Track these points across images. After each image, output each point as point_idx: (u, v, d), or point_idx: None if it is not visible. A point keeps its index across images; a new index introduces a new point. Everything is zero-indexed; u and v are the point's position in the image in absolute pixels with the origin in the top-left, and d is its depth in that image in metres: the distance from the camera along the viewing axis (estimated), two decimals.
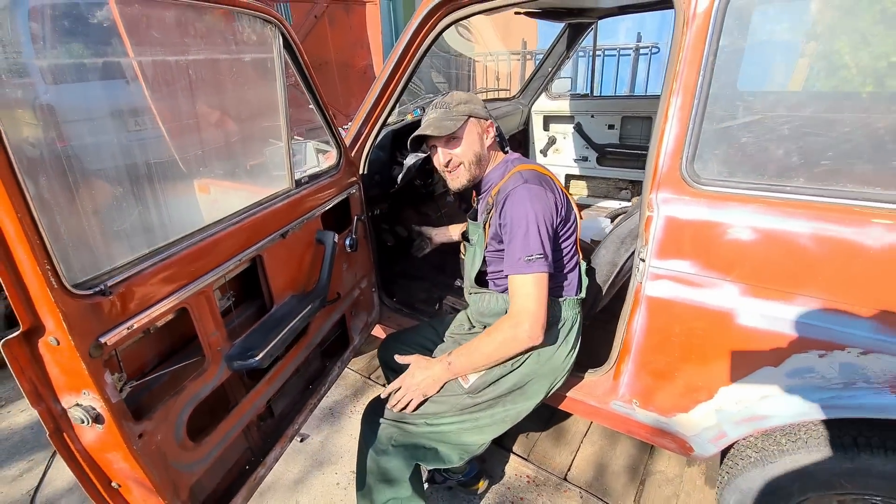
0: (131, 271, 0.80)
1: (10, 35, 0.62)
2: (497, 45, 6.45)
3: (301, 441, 2.06)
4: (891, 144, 0.89)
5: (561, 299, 1.31)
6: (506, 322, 1.21)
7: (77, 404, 0.76)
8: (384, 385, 2.36)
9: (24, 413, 2.33)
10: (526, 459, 1.93)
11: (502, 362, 1.26)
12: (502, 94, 3.21)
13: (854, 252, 0.90)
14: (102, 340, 0.75)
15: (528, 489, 1.82)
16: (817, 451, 1.12)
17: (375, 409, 1.41)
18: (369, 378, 2.45)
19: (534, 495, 1.79)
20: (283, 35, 1.06)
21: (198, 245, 0.93)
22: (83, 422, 0.76)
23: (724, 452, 1.39)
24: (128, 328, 0.79)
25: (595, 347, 1.47)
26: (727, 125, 1.02)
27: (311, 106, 1.29)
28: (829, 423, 1.11)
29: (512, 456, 1.95)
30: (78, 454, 0.82)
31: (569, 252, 1.32)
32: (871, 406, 0.95)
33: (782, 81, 1.07)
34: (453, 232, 1.93)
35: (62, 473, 1.97)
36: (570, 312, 1.32)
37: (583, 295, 1.35)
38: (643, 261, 1.16)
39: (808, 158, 0.96)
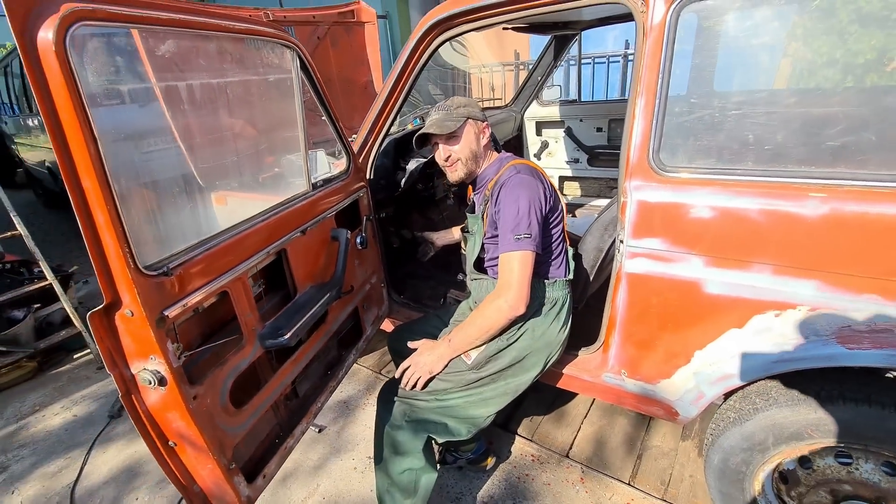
0: (185, 257, 0.96)
1: (104, 65, 0.79)
2: (490, 58, 6.68)
3: (319, 432, 2.20)
4: (820, 130, 1.04)
5: (550, 281, 1.46)
6: (493, 294, 1.36)
7: (144, 368, 0.92)
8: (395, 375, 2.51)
9: (57, 416, 2.49)
10: (530, 440, 2.06)
11: (495, 335, 1.40)
12: (497, 104, 3.39)
13: (796, 222, 1.05)
14: (166, 313, 0.90)
15: (533, 466, 1.94)
16: (786, 406, 1.25)
17: (390, 390, 1.55)
18: (380, 373, 2.59)
19: (538, 472, 1.92)
20: (300, 58, 1.23)
21: (236, 237, 1.09)
22: (150, 383, 0.91)
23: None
24: (183, 305, 0.95)
25: (588, 330, 1.61)
26: (684, 120, 1.18)
27: (323, 118, 1.46)
28: (794, 380, 1.25)
29: (516, 437, 2.08)
30: (143, 415, 0.97)
31: (557, 238, 1.47)
32: (822, 356, 1.09)
33: (729, 81, 1.23)
34: (455, 233, 2.09)
35: (98, 469, 2.12)
36: (559, 293, 1.47)
37: (570, 277, 1.50)
38: (622, 242, 1.31)
39: (753, 145, 1.11)
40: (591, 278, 1.61)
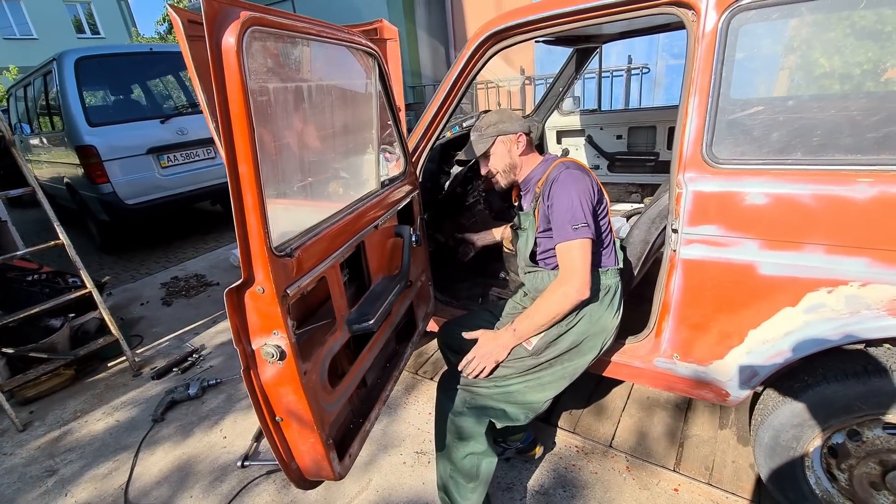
0: (300, 242, 1.05)
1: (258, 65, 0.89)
2: (496, 73, 6.91)
3: None
4: (864, 122, 1.16)
5: (603, 269, 1.56)
6: (557, 282, 1.45)
7: (266, 343, 1.00)
8: (432, 378, 2.57)
9: (100, 422, 2.52)
10: (572, 432, 2.13)
11: (559, 320, 1.49)
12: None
13: (845, 205, 1.16)
14: (288, 291, 0.99)
15: (579, 457, 2.01)
16: (835, 381, 1.34)
17: (449, 378, 1.63)
18: (417, 373, 2.65)
19: (584, 462, 1.98)
20: (379, 66, 1.35)
21: (334, 227, 1.18)
22: (272, 356, 0.99)
23: (752, 407, 1.60)
24: (299, 285, 1.03)
25: (631, 320, 1.71)
26: (736, 117, 1.30)
27: (389, 122, 1.57)
28: (842, 355, 1.34)
29: (559, 430, 2.15)
30: (258, 390, 1.05)
31: (605, 229, 1.57)
32: (874, 328, 1.19)
33: (773, 83, 1.36)
34: (495, 234, 2.20)
35: (148, 470, 2.16)
36: (612, 280, 1.57)
37: (621, 265, 1.59)
38: (675, 231, 1.42)
39: (802, 138, 1.23)
40: (637, 269, 1.71)
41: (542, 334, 1.52)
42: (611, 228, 1.60)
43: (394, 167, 1.84)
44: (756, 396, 1.63)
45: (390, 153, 1.85)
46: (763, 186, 1.25)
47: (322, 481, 1.26)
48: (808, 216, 1.21)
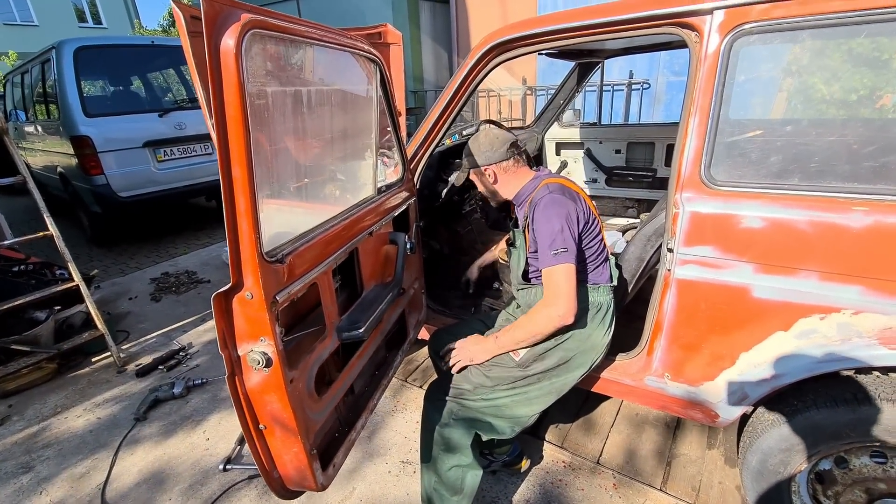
0: (292, 248, 1.03)
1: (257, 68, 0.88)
2: (499, 83, 6.94)
3: None
4: (865, 150, 1.17)
5: (594, 286, 1.55)
6: (542, 304, 1.44)
7: (253, 350, 0.98)
8: (421, 386, 2.55)
9: (80, 418, 2.47)
10: (560, 447, 2.11)
11: (540, 341, 1.48)
12: (516, 124, 3.54)
13: (841, 233, 1.16)
14: (277, 298, 0.97)
15: (566, 472, 1.99)
16: (824, 407, 1.34)
17: (437, 389, 1.61)
18: (406, 381, 2.63)
19: (571, 477, 1.96)
20: (380, 72, 1.34)
21: (326, 234, 1.16)
22: (258, 363, 0.97)
23: (741, 428, 1.60)
24: (289, 292, 1.01)
25: (622, 337, 1.70)
26: (735, 139, 1.30)
27: (389, 129, 1.56)
28: (833, 382, 1.34)
29: (547, 445, 2.13)
30: (242, 397, 1.03)
31: (596, 248, 1.55)
32: (866, 357, 1.19)
33: (774, 107, 1.36)
34: (496, 251, 2.22)
35: (127, 470, 2.11)
36: (603, 298, 1.56)
37: (614, 283, 1.59)
38: (671, 251, 1.41)
39: (800, 163, 1.23)
40: (631, 287, 1.71)
41: (530, 347, 1.52)
42: (604, 246, 1.59)
43: (392, 173, 1.82)
44: (745, 418, 1.62)
45: (388, 158, 1.84)
46: (760, 210, 1.25)
47: (304, 492, 1.23)
48: (804, 242, 1.21)
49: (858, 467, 1.36)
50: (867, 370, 1.26)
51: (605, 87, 6.03)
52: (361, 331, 1.26)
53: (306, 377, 1.12)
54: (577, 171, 3.39)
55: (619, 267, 1.70)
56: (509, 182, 1.66)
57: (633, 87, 6.07)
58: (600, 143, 3.19)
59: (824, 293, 1.20)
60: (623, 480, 1.93)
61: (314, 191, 1.24)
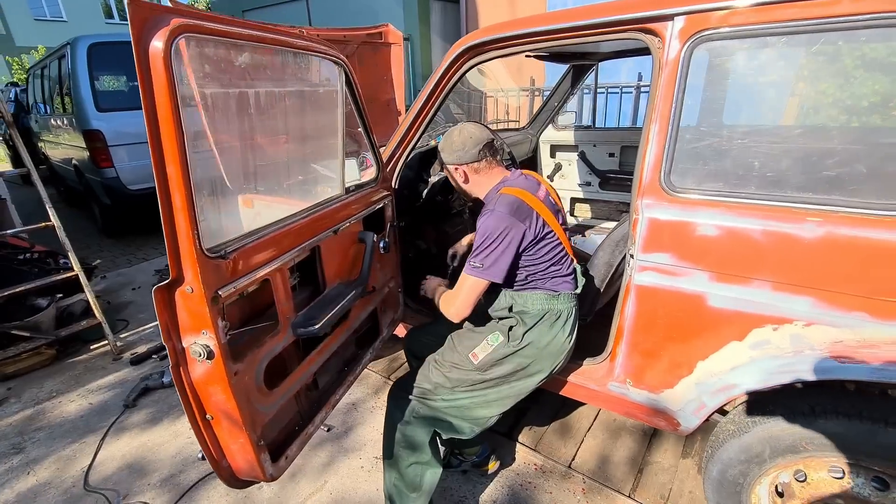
0: (239, 244, 1.06)
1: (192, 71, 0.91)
2: (508, 82, 6.92)
3: (327, 431, 2.26)
4: (820, 160, 1.15)
5: (555, 294, 1.53)
6: (449, 297, 1.56)
7: (196, 342, 1.01)
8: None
9: (73, 403, 2.57)
10: (533, 450, 2.11)
11: None
12: (512, 125, 3.55)
13: (793, 243, 1.14)
14: (220, 293, 1.00)
15: (536, 475, 1.99)
16: (782, 419, 1.32)
17: (400, 388, 1.63)
18: (388, 378, 2.66)
19: (541, 481, 1.97)
20: (346, 73, 1.36)
21: (281, 231, 1.19)
22: (200, 356, 1.00)
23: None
24: (234, 287, 1.05)
25: (593, 342, 1.69)
26: (694, 146, 1.29)
27: (359, 129, 1.58)
28: (790, 394, 1.32)
29: (520, 446, 2.14)
30: (188, 387, 1.06)
31: (553, 257, 1.50)
32: (818, 369, 1.17)
33: (736, 113, 1.35)
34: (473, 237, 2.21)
35: (111, 455, 2.19)
36: (563, 306, 1.53)
37: (578, 290, 1.57)
38: (632, 256, 1.41)
39: (757, 171, 1.22)
40: (601, 292, 1.70)
41: (490, 349, 1.52)
42: (566, 255, 1.55)
43: (369, 173, 1.85)
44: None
45: (369, 159, 1.86)
46: (715, 218, 1.24)
47: (255, 482, 1.26)
48: (757, 251, 1.19)
49: (816, 481, 1.34)
50: (823, 383, 1.24)
51: (613, 90, 5.97)
52: (317, 327, 1.28)
53: (254, 370, 1.16)
54: (572, 173, 3.37)
55: (586, 273, 1.69)
56: (480, 183, 1.63)
57: (643, 89, 5.99)
58: (594, 146, 3.17)
59: (777, 304, 1.19)
60: (592, 486, 1.92)
61: (271, 189, 1.27)
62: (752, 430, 1.38)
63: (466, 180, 1.63)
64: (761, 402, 1.38)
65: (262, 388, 1.19)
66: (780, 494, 1.41)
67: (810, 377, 1.17)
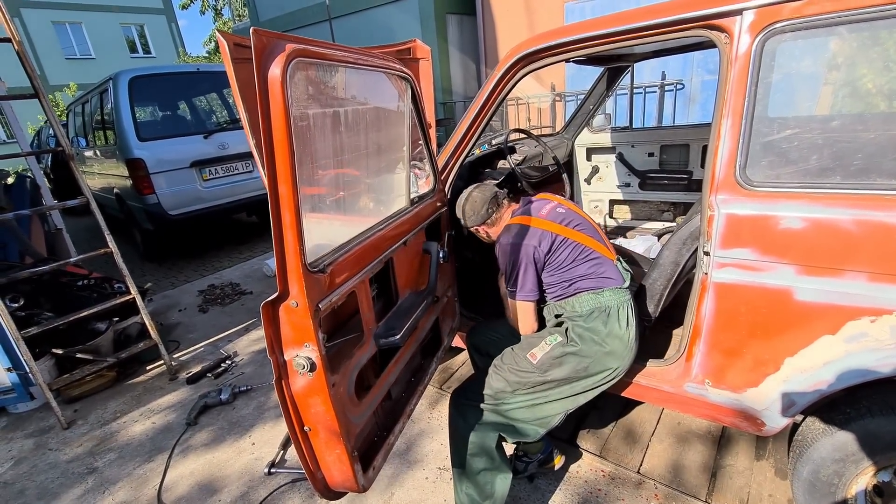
0: (332, 259, 1.09)
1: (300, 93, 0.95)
2: (528, 90, 6.95)
3: None
4: None
5: (596, 292, 1.53)
6: (515, 322, 1.72)
7: (298, 355, 1.03)
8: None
9: (137, 423, 2.64)
10: (598, 456, 2.08)
11: None
12: (534, 132, 3.56)
13: (889, 231, 1.11)
14: (320, 306, 1.03)
15: (605, 482, 1.96)
16: (880, 414, 1.28)
17: (461, 395, 1.65)
18: (441, 388, 2.66)
19: (611, 488, 1.93)
20: (412, 88, 1.40)
21: (364, 244, 1.22)
22: (303, 368, 1.03)
23: (791, 438, 1.54)
24: (330, 300, 1.07)
25: (657, 343, 1.67)
26: (771, 139, 1.27)
27: (420, 142, 1.62)
28: (888, 388, 1.28)
29: (585, 454, 2.10)
30: (289, 399, 1.09)
31: (578, 258, 1.57)
32: None
33: (810, 104, 1.33)
34: None
35: (180, 473, 2.23)
36: (611, 301, 1.52)
37: (626, 283, 1.56)
38: (707, 254, 1.39)
39: (841, 160, 1.19)
40: (668, 291, 1.68)
41: (548, 349, 1.53)
42: (594, 251, 1.58)
43: (423, 184, 1.88)
44: (795, 427, 1.55)
45: (420, 170, 1.90)
46: (800, 210, 1.22)
47: (346, 493, 1.28)
48: (849, 242, 1.16)
49: None
50: None
51: (637, 90, 5.93)
52: (398, 337, 1.30)
53: (347, 381, 1.18)
54: (609, 175, 3.35)
55: (655, 270, 1.68)
56: (498, 229, 1.80)
57: (667, 88, 5.94)
58: (632, 146, 3.15)
59: (874, 294, 1.15)
60: (667, 492, 1.88)
61: (352, 204, 1.31)
62: (846, 427, 1.33)
63: (488, 235, 1.83)
64: (856, 398, 1.33)
65: (353, 398, 1.21)
66: (881, 493, 1.36)
67: None
